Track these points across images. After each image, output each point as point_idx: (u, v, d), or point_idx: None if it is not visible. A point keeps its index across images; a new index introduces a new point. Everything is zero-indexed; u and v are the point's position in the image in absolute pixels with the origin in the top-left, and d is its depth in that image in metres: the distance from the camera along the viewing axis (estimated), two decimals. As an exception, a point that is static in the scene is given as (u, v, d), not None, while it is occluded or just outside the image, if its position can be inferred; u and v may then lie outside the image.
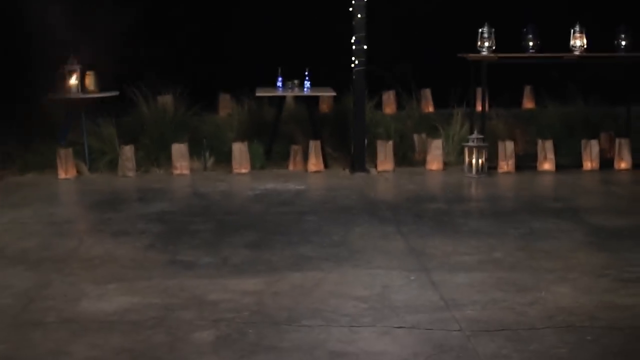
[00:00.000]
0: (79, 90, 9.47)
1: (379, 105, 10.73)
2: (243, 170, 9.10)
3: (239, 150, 9.14)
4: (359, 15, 8.93)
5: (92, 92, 9.56)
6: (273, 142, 9.62)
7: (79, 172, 9.10)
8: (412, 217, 7.00)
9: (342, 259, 5.78)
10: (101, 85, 9.66)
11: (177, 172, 9.08)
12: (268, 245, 6.13)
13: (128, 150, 9.07)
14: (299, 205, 7.52)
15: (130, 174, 9.03)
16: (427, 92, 10.96)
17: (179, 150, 9.11)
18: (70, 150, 8.99)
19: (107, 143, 9.48)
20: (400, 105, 10.82)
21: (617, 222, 6.82)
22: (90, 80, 9.58)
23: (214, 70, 11.37)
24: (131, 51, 10.99)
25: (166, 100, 10.15)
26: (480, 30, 9.11)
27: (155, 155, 9.51)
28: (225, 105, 10.71)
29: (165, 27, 11.53)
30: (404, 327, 4.47)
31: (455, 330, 4.43)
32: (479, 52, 9.10)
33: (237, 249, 6.05)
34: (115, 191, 8.28)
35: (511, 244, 6.16)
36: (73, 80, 9.46)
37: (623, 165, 9.24)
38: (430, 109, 10.91)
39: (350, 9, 9.02)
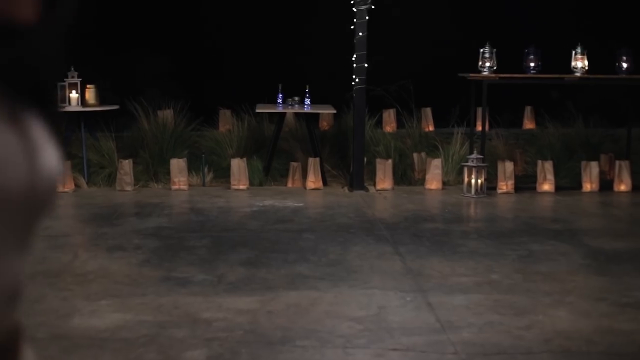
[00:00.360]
0: (79, 103, 9.46)
1: (379, 124, 10.72)
2: (241, 187, 9.07)
3: (238, 166, 9.12)
4: (360, 33, 8.92)
5: (92, 105, 9.55)
6: (272, 158, 9.59)
7: (77, 185, 9.08)
8: (410, 237, 6.96)
9: (338, 278, 5.73)
10: (101, 99, 9.67)
11: (175, 187, 9.05)
12: (264, 263, 6.09)
13: (126, 165, 9.04)
14: (297, 223, 7.48)
15: (128, 188, 9.00)
16: (428, 111, 10.95)
17: (177, 165, 9.08)
18: (68, 163, 8.96)
19: (106, 157, 9.46)
20: (400, 124, 10.80)
21: (616, 245, 6.78)
22: (90, 94, 9.58)
23: (214, 85, 11.37)
24: (133, 65, 11.00)
25: (166, 115, 10.14)
26: (481, 50, 9.10)
27: (154, 170, 9.49)
28: (226, 121, 10.70)
29: (167, 42, 11.53)
30: (399, 350, 4.43)
31: (450, 354, 4.38)
32: (480, 72, 9.09)
33: (233, 266, 6.01)
34: (113, 205, 8.25)
35: (509, 266, 6.11)
36: (73, 94, 9.45)
37: (623, 187, 9.20)
38: (430, 128, 10.90)
39: (352, 27, 9.01)
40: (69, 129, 9.63)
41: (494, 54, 9.06)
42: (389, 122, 10.97)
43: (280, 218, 7.66)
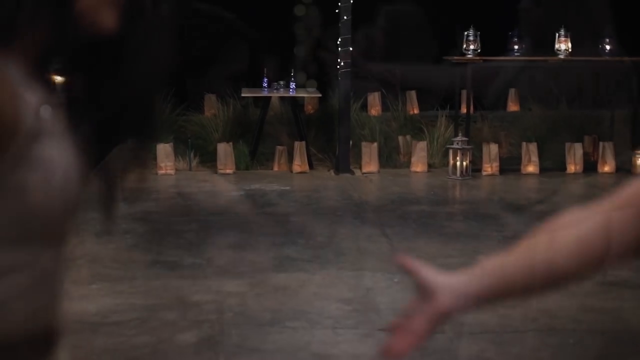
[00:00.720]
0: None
1: (364, 107, 10.74)
2: (228, 171, 9.09)
3: (224, 150, 9.14)
4: (345, 17, 8.95)
5: (77, 91, 9.52)
6: (258, 142, 9.61)
7: (63, 171, 9.06)
8: (397, 219, 7.02)
9: (326, 260, 5.78)
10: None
11: (162, 172, 9.06)
12: (252, 246, 6.13)
13: (113, 150, 9.03)
14: (284, 206, 7.52)
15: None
16: (412, 94, 10.96)
17: (164, 150, 9.09)
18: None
19: (92, 142, 9.45)
20: (385, 107, 10.82)
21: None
22: (75, 79, 9.54)
23: (199, 70, 11.35)
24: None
25: (151, 99, 10.11)
26: (466, 33, 9.13)
27: (140, 154, 9.48)
28: (211, 105, 10.69)
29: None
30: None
31: (438, 333, 4.44)
32: (464, 54, 9.12)
33: (221, 249, 6.05)
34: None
35: (495, 247, 6.17)
36: (58, 78, 9.42)
37: (607, 168, 9.28)
38: (415, 110, 10.91)
39: (337, 11, 9.03)
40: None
41: (478, 37, 9.09)
42: (374, 105, 10.98)
43: (267, 202, 7.70)
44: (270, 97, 9.71)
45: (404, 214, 7.23)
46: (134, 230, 6.63)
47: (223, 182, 8.73)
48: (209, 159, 9.46)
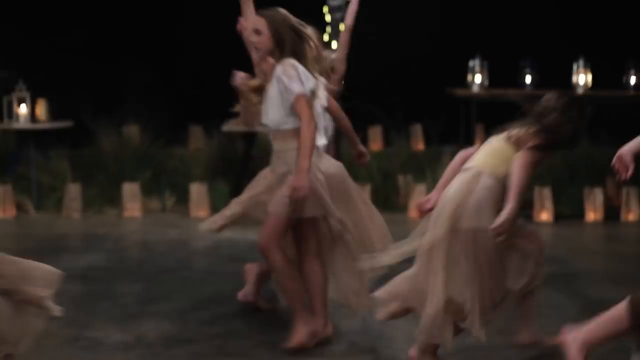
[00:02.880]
0: (29, 119, 8.57)
1: (364, 141, 9.71)
2: (201, 214, 8.10)
3: (198, 191, 8.19)
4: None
5: (44, 122, 8.67)
6: (241, 181, 8.61)
7: (24, 210, 8.20)
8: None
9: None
10: (54, 115, 8.78)
11: (127, 214, 8.12)
12: (198, 319, 5.13)
13: (74, 189, 8.13)
14: (252, 262, 6.52)
15: (76, 215, 8.09)
16: (418, 128, 9.92)
17: (130, 190, 8.15)
18: (9, 186, 8.09)
19: (58, 178, 8.56)
20: (388, 142, 9.80)
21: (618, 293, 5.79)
22: (41, 109, 8.70)
23: (186, 100, 10.43)
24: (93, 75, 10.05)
25: (131, 131, 9.17)
26: (471, 62, 8.10)
27: (110, 193, 8.56)
28: (196, 138, 9.73)
29: (143, 55, 10.56)
30: None
31: None
32: (469, 87, 8.10)
33: (158, 321, 5.06)
34: (51, 237, 7.35)
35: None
36: (22, 109, 8.55)
37: (631, 217, 8.21)
38: (421, 146, 9.87)
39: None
40: (17, 148, 8.79)
41: (485, 67, 8.07)
42: (375, 139, 9.94)
43: (233, 255, 6.69)
44: (256, 132, 8.73)
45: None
46: (67, 292, 5.60)
47: (193, 228, 7.72)
48: (186, 199, 8.50)
